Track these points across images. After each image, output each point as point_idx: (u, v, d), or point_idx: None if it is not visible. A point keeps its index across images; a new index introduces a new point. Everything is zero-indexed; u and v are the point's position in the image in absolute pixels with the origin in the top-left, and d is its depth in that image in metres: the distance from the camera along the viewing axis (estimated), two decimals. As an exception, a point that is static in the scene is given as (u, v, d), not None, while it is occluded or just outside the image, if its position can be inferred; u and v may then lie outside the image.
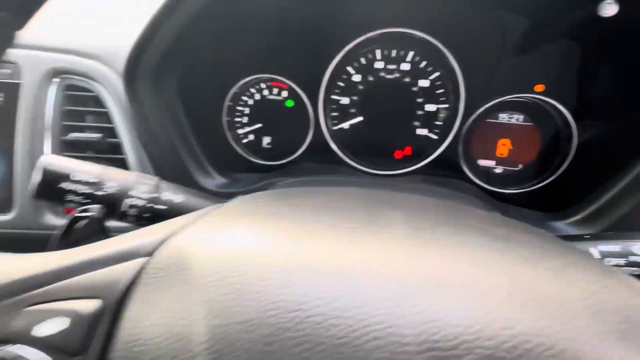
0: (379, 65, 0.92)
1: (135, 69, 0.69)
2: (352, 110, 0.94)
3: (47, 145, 0.74)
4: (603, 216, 0.71)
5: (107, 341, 0.24)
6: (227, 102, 0.98)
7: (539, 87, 0.85)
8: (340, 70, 0.93)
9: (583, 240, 0.46)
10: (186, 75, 0.79)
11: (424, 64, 0.91)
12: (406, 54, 0.91)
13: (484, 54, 0.84)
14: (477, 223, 0.31)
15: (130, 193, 0.46)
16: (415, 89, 0.90)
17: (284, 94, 0.97)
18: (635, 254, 0.43)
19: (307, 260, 0.24)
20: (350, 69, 0.93)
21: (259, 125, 1.00)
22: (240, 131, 1.02)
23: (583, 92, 0.78)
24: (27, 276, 0.26)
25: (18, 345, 0.24)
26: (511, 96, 0.84)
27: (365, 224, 0.28)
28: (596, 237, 0.46)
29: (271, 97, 0.98)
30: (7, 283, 0.26)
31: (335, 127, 0.96)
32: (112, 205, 0.45)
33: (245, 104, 1.00)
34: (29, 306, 0.25)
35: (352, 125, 0.95)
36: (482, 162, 0.92)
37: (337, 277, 0.23)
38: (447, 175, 0.92)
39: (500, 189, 0.91)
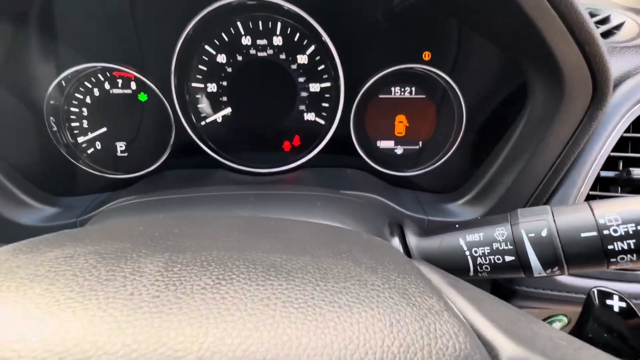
0: (245, 41, 0.76)
1: None
2: (223, 99, 0.79)
3: None
4: (487, 195, 0.68)
5: None
6: (52, 101, 0.74)
7: (427, 55, 0.75)
8: (197, 49, 0.75)
9: (455, 230, 0.46)
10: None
11: (297, 36, 0.76)
12: (275, 26, 0.76)
13: (357, 24, 0.73)
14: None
15: None
16: (294, 66, 0.78)
17: (134, 85, 0.78)
18: (496, 240, 0.42)
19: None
20: (209, 48, 0.76)
21: (103, 129, 0.79)
22: (81, 139, 0.79)
23: (464, 60, 0.74)
24: None
25: None
26: (395, 67, 0.76)
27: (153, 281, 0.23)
28: (464, 226, 0.46)
29: (116, 90, 0.78)
30: None
31: (202, 122, 0.80)
32: None
33: (82, 103, 0.78)
34: None
35: (224, 118, 0.80)
36: (382, 144, 0.83)
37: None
38: (343, 165, 0.82)
39: (399, 172, 0.83)
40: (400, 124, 0.83)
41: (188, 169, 0.80)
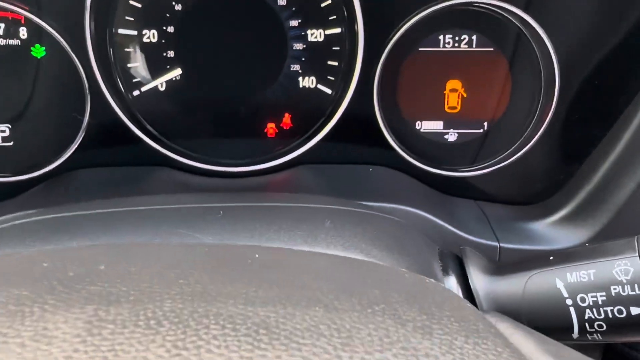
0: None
1: None
2: (168, 54, 0.64)
3: None
4: (596, 208, 0.61)
5: None
6: None
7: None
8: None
9: (547, 265, 0.42)
10: None
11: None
12: None
13: None
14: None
15: None
16: (282, 1, 0.64)
17: (23, 32, 0.62)
18: (617, 281, 0.38)
19: None
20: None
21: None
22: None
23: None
24: None
25: None
26: (445, 2, 0.64)
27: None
28: (562, 259, 0.42)
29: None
30: None
31: (135, 92, 0.65)
32: None
33: None
34: None
35: (169, 85, 0.66)
36: (425, 126, 0.69)
37: None
38: (362, 161, 0.69)
39: (453, 171, 0.69)
40: (454, 93, 0.68)
41: (112, 166, 0.66)
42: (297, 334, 0.22)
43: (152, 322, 0.21)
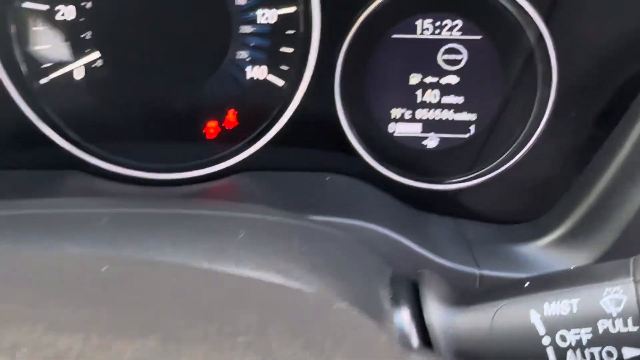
0: None
1: None
2: (85, 36, 0.57)
3: None
4: (596, 229, 0.56)
5: None
6: None
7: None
8: None
9: (520, 292, 0.37)
10: None
11: None
12: None
13: None
14: None
15: None
16: None
17: None
18: (606, 314, 0.33)
19: None
20: None
21: None
22: None
23: None
24: None
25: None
26: None
27: None
28: (540, 284, 0.37)
29: None
30: None
31: (43, 80, 0.57)
32: None
33: None
34: None
35: (87, 73, 0.58)
36: (400, 129, 0.62)
37: None
38: (315, 168, 0.62)
39: (432, 183, 0.63)
40: (433, 90, 0.61)
41: (19, 169, 0.59)
42: None
43: None
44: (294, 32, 0.56)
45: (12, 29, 0.54)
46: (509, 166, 0.60)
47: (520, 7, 0.56)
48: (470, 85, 0.59)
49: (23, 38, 0.56)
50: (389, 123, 0.60)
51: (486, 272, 0.54)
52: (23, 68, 0.56)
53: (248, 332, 0.25)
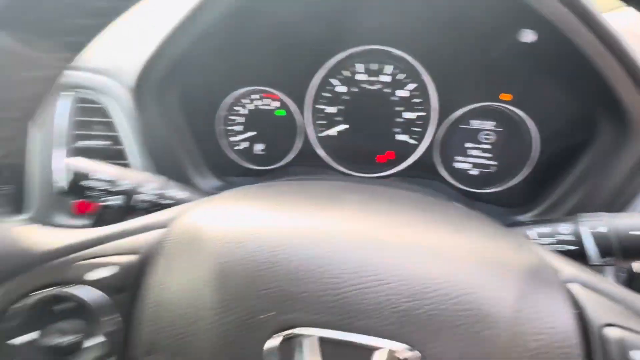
0: (361, 77, 1.02)
1: (144, 83, 0.78)
2: (338, 119, 1.03)
3: (60, 152, 0.81)
4: (554, 210, 0.81)
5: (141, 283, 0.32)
6: (221, 112, 1.07)
7: (505, 96, 0.95)
8: (325, 82, 1.03)
9: (525, 225, 0.55)
10: (186, 87, 0.89)
11: (401, 76, 1.01)
12: (384, 68, 1.01)
13: (452, 68, 0.95)
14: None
15: (140, 190, 0.54)
16: (394, 98, 1.00)
17: (275, 104, 1.06)
18: (560, 233, 0.51)
19: (302, 231, 0.31)
20: (334, 81, 1.03)
21: (252, 133, 1.09)
22: (233, 139, 1.10)
23: (544, 102, 0.87)
24: (76, 242, 0.34)
25: (74, 286, 0.32)
26: (477, 104, 0.94)
27: (341, 206, 0.38)
28: (535, 223, 0.55)
29: (263, 107, 1.07)
30: (60, 247, 0.34)
31: (321, 134, 1.05)
32: (125, 199, 0.53)
33: (239, 114, 1.09)
34: (79, 261, 0.33)
35: (338, 132, 1.03)
36: (459, 165, 1.01)
37: (332, 241, 0.31)
38: (425, 177, 1.01)
39: (473, 188, 0.99)
40: (477, 150, 1.00)
41: (305, 167, 1.04)
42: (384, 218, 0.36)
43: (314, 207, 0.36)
44: (421, 122, 1.03)
45: (314, 115, 1.07)
46: (512, 185, 1.00)
47: (521, 118, 0.91)
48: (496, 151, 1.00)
49: (317, 118, 1.06)
50: (454, 162, 1.02)
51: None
52: (314, 129, 1.05)
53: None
